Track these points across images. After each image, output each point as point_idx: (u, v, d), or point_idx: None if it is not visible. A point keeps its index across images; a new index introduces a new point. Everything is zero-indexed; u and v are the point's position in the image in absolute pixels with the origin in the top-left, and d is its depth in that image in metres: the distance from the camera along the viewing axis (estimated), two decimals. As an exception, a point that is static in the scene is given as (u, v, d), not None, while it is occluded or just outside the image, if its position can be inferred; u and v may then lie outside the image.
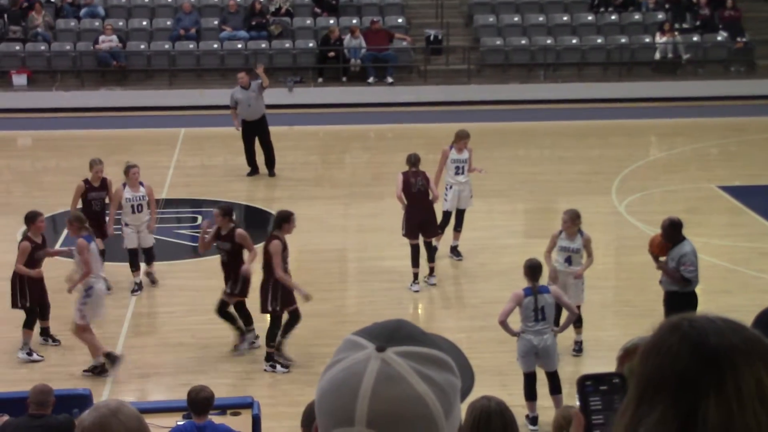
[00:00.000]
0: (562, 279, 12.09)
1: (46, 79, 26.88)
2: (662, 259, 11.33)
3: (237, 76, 20.13)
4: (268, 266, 11.82)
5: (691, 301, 11.02)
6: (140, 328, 13.24)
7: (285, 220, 11.87)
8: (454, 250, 15.45)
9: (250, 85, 19.61)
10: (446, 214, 15.22)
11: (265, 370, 11.94)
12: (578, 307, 12.03)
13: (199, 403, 8.31)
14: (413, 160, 14.33)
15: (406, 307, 13.94)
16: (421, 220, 14.21)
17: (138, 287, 14.22)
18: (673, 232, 11.18)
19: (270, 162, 20.18)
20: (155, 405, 9.98)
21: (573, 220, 12.17)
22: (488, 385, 9.87)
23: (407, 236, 14.33)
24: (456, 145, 15.20)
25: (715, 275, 14.00)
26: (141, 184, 14.19)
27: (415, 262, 14.32)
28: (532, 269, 10.51)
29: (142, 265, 14.44)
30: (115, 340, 12.70)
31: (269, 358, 11.99)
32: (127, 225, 14.09)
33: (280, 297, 11.82)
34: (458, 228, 15.37)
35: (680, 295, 11.09)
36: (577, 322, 11.98)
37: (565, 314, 10.94)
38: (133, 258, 14.24)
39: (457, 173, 15.16)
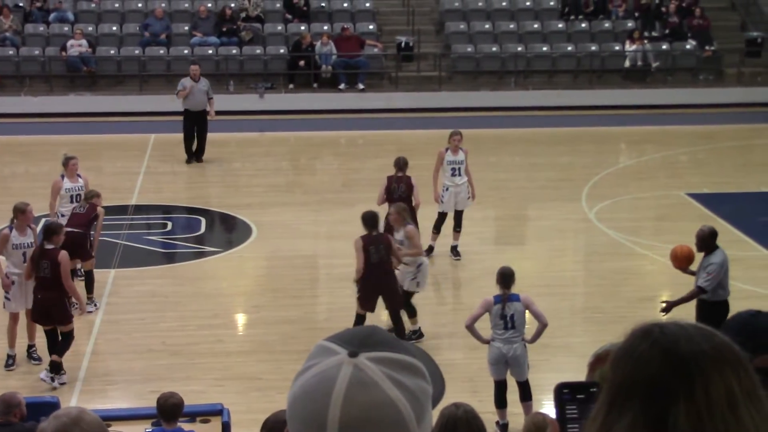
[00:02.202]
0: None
1: (14, 84, 26.67)
2: (692, 268, 11.46)
3: (190, 68, 21.34)
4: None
5: (721, 309, 10.81)
6: (109, 334, 13.14)
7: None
8: (454, 250, 15.61)
9: (200, 80, 20.94)
10: (441, 215, 15.46)
11: None
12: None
13: (169, 409, 8.26)
14: (400, 164, 14.36)
15: (376, 314, 13.91)
16: None
17: None
18: (711, 241, 11.25)
19: (201, 151, 21.47)
20: (124, 412, 9.91)
21: (399, 213, 12.52)
22: (459, 392, 9.86)
23: None
24: (450, 146, 15.27)
25: (684, 282, 14.03)
26: (79, 175, 14.48)
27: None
28: (504, 276, 10.49)
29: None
30: (84, 347, 12.62)
31: None
32: (63, 216, 14.05)
33: None
34: (457, 228, 15.56)
35: (710, 304, 11.04)
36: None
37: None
38: None
39: (453, 174, 15.29)
